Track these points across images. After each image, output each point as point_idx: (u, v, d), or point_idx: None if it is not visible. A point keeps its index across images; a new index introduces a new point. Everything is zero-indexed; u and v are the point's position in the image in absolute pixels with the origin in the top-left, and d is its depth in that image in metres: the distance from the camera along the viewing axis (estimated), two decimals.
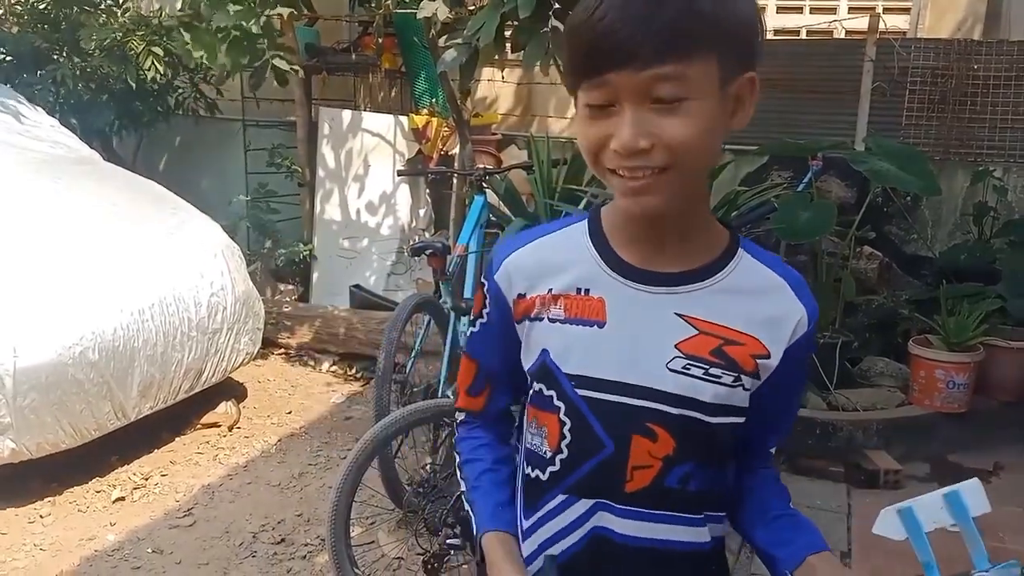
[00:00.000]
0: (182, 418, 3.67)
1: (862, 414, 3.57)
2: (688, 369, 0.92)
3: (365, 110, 5.44)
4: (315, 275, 5.34)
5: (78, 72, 5.33)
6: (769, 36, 5.90)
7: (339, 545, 2.30)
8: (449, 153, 5.17)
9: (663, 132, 0.82)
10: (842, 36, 5.45)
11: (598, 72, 0.82)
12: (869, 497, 3.21)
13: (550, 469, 0.98)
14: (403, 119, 5.23)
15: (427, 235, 5.23)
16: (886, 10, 5.61)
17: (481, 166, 4.26)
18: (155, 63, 4.88)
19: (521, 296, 0.99)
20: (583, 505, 0.96)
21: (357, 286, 5.01)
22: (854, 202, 4.19)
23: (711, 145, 0.86)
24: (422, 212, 5.39)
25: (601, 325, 0.94)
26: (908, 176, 3.48)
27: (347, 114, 5.32)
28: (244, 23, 4.13)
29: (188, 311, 3.43)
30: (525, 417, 1.03)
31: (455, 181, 4.80)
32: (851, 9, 5.77)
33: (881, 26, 4.58)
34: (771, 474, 1.05)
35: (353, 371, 4.46)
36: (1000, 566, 0.73)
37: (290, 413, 3.94)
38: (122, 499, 3.11)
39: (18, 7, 5.58)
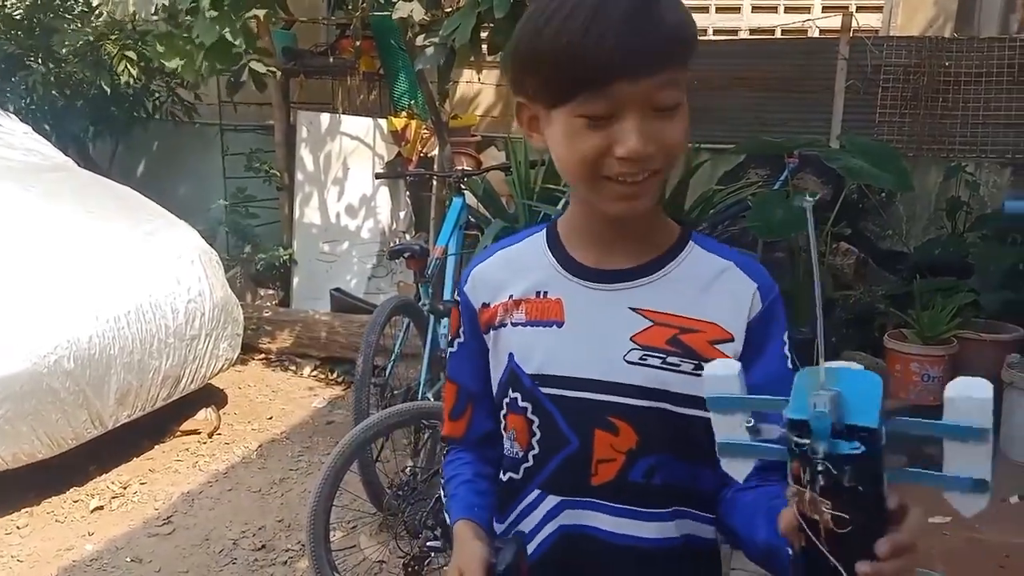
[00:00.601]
0: (161, 426, 3.65)
1: None
2: (645, 360, 0.93)
3: (344, 113, 5.43)
4: (295, 279, 5.33)
5: (52, 78, 5.29)
6: (744, 35, 5.95)
7: (319, 550, 2.30)
8: (428, 155, 5.16)
9: (664, 136, 0.86)
10: (816, 35, 5.50)
11: (606, 83, 0.83)
12: None
13: (524, 467, 1.00)
14: (382, 122, 5.22)
15: (407, 237, 5.23)
16: (859, 9, 5.66)
17: (460, 168, 4.27)
18: (128, 67, 4.85)
19: (486, 305, 1.02)
20: (552, 500, 0.98)
21: (337, 290, 5.00)
22: (830, 199, 4.23)
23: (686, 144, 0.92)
24: (402, 214, 5.39)
25: (560, 324, 0.96)
26: (881, 172, 3.51)
27: (325, 117, 5.30)
28: (223, 30, 4.11)
29: (165, 318, 3.41)
30: (503, 429, 1.04)
31: (434, 183, 4.80)
32: (825, 8, 5.82)
33: (854, 24, 4.62)
34: (771, 491, 0.89)
35: (334, 375, 4.45)
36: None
37: (271, 418, 3.92)
38: (100, 508, 3.09)
39: None
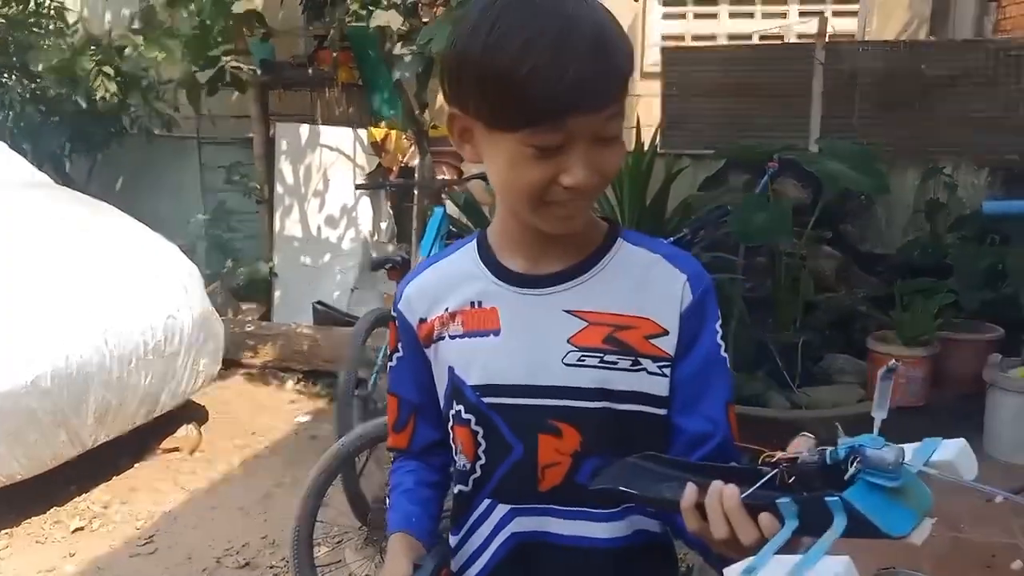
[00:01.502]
0: (142, 444, 3.60)
1: (825, 411, 3.61)
2: (583, 360, 0.94)
3: (323, 124, 5.42)
4: (277, 293, 5.29)
5: (28, 95, 5.25)
6: (722, 42, 5.99)
7: (303, 566, 2.27)
8: (409, 165, 5.15)
9: (605, 164, 0.88)
10: (793, 40, 5.55)
11: (563, 117, 0.83)
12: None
13: (472, 478, 1.00)
14: (362, 132, 5.21)
15: (389, 248, 5.21)
16: (834, 14, 5.72)
17: (441, 177, 4.26)
18: (105, 83, 4.81)
19: (423, 320, 1.02)
20: (503, 509, 0.98)
21: (320, 302, 4.97)
22: (810, 202, 4.25)
23: None
24: (383, 225, 5.37)
25: (497, 333, 0.97)
26: (859, 176, 3.54)
27: (304, 129, 5.28)
28: (206, 21, 4.10)
29: (144, 335, 3.37)
30: (451, 442, 1.04)
31: (416, 193, 4.79)
32: (801, 13, 5.88)
33: (830, 30, 4.66)
34: None
35: (317, 388, 4.42)
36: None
37: (254, 434, 3.88)
38: (81, 529, 3.05)
39: None
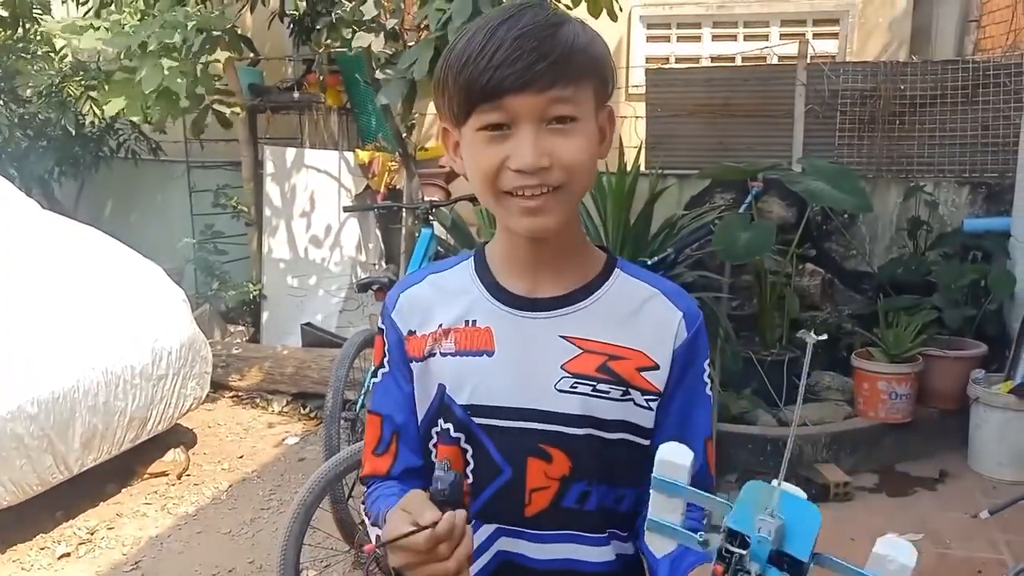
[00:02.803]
0: (128, 468, 3.58)
1: (811, 428, 3.64)
2: (576, 388, 0.94)
3: (312, 147, 5.44)
4: (265, 315, 5.29)
5: (16, 120, 5.26)
6: (706, 63, 6.07)
7: None
8: (397, 187, 5.18)
9: (560, 151, 0.88)
10: (775, 62, 5.63)
11: (499, 96, 0.86)
12: (821, 511, 3.24)
13: None
14: (349, 155, 5.23)
15: (377, 270, 5.22)
16: (815, 35, 5.82)
17: (428, 199, 4.28)
18: (93, 107, 4.83)
19: (412, 333, 1.01)
20: (488, 529, 0.98)
21: (308, 324, 4.97)
22: (795, 221, 4.30)
23: (594, 167, 0.94)
24: (371, 247, 5.38)
25: (490, 354, 0.97)
26: (841, 194, 3.58)
27: (292, 152, 5.31)
28: (179, 75, 4.14)
29: (130, 358, 3.37)
30: (433, 459, 1.03)
31: (403, 215, 4.81)
32: (783, 35, 5.97)
33: (811, 51, 4.73)
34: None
35: (306, 411, 4.41)
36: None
37: (242, 457, 3.87)
38: (67, 555, 3.02)
39: None
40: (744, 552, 0.67)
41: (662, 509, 0.75)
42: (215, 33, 4.42)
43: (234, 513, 3.34)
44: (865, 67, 4.76)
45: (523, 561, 0.97)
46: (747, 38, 6.07)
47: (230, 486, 3.58)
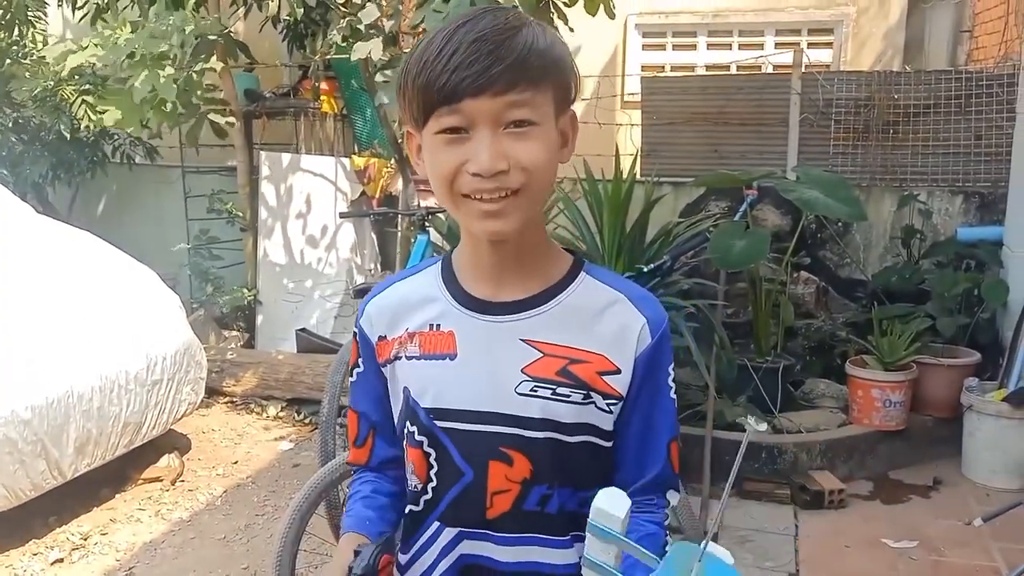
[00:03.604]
0: (122, 473, 3.57)
1: (805, 436, 3.64)
2: (536, 391, 0.95)
3: (307, 153, 5.45)
4: (260, 320, 5.28)
5: (10, 124, 5.25)
6: (701, 72, 6.10)
7: None
8: (392, 193, 5.19)
9: (518, 155, 0.89)
10: (770, 71, 5.66)
11: (457, 99, 0.87)
12: (815, 518, 3.27)
13: (423, 499, 1.02)
14: (345, 161, 5.24)
15: (372, 275, 5.22)
16: (810, 45, 5.85)
17: (424, 205, 4.29)
18: (88, 112, 4.82)
19: (382, 338, 1.04)
20: (450, 532, 0.99)
21: (303, 330, 4.96)
22: (789, 229, 4.32)
23: (553, 171, 0.94)
24: (367, 252, 5.38)
25: (453, 357, 0.98)
26: (835, 203, 3.60)
27: (287, 157, 5.31)
28: (172, 82, 4.15)
29: (125, 363, 3.36)
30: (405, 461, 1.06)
31: (399, 220, 4.82)
32: (777, 44, 6.01)
33: (805, 60, 4.76)
34: (649, 525, 0.99)
35: (300, 416, 4.40)
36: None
37: (236, 463, 3.86)
38: (60, 560, 3.00)
39: None
40: None
41: (597, 551, 0.77)
42: (210, 37, 4.42)
43: (228, 519, 3.33)
44: (859, 76, 4.79)
45: (490, 564, 0.98)
46: (742, 47, 6.10)
47: (224, 492, 3.57)
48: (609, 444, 0.99)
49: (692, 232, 3.60)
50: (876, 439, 3.68)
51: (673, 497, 1.02)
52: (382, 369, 1.04)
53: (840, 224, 4.50)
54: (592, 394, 0.96)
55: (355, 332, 1.08)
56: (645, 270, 3.11)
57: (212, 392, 4.41)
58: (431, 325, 1.00)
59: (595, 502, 0.76)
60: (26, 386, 2.97)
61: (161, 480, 3.61)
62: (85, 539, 3.15)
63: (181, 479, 3.66)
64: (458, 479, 0.97)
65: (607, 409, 0.97)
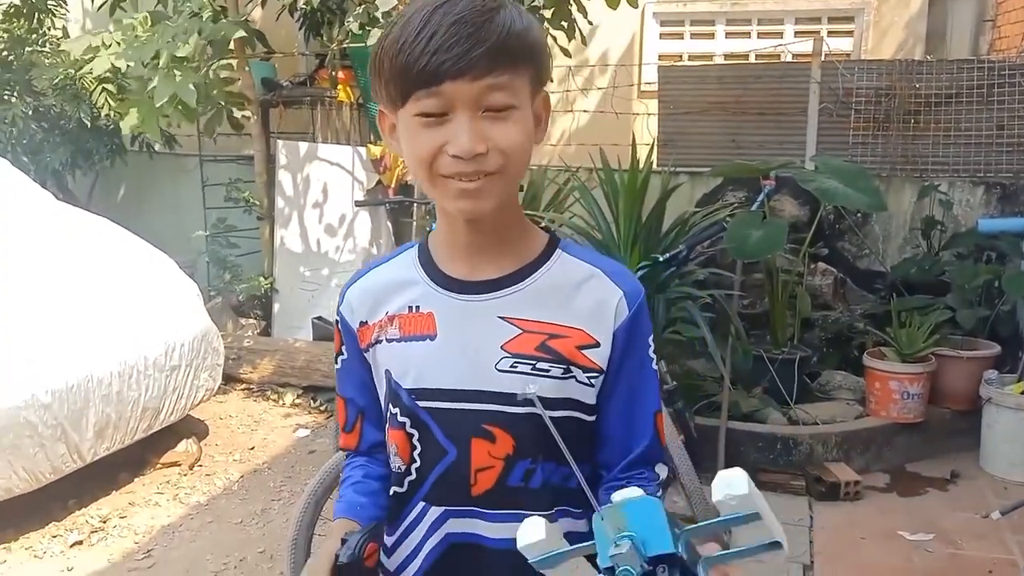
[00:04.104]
0: (141, 458, 3.61)
1: (821, 427, 3.63)
2: (516, 367, 0.97)
3: (324, 142, 5.46)
4: (276, 308, 5.31)
5: (30, 112, 5.29)
6: (719, 60, 6.05)
7: None
8: (408, 182, 5.19)
9: (496, 137, 0.90)
10: (789, 59, 5.60)
11: (436, 82, 0.87)
12: (831, 509, 3.26)
13: (407, 480, 1.02)
14: (361, 150, 5.25)
15: None
16: (830, 33, 5.79)
17: None
18: (108, 100, 4.86)
19: (363, 323, 1.05)
20: (436, 511, 1.01)
21: (319, 318, 4.99)
22: (807, 220, 4.28)
23: (530, 152, 0.95)
24: (383, 241, 5.39)
25: (433, 338, 0.99)
26: (854, 193, 3.56)
27: (304, 146, 5.32)
28: (191, 83, 4.17)
29: (144, 349, 3.39)
30: (387, 442, 1.06)
31: (415, 209, 4.82)
32: (797, 33, 5.94)
33: (825, 49, 4.71)
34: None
35: (316, 403, 4.42)
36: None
37: (252, 449, 3.89)
38: (79, 543, 3.04)
39: None
40: None
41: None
42: (231, 36, 4.43)
43: (245, 503, 3.36)
44: (880, 65, 4.74)
45: (479, 540, 0.99)
46: (761, 35, 6.04)
47: (241, 477, 3.60)
48: (592, 418, 1.00)
49: (708, 222, 3.58)
50: (893, 431, 3.65)
51: (662, 470, 1.03)
52: (364, 354, 1.05)
53: (859, 215, 4.46)
54: (572, 368, 0.97)
55: (336, 320, 1.09)
56: (661, 259, 3.10)
57: (229, 379, 4.45)
58: (410, 307, 1.01)
59: (519, 540, 0.76)
60: (46, 370, 3.00)
61: (179, 465, 3.64)
62: (104, 522, 3.19)
63: (199, 464, 3.70)
64: (441, 458, 0.98)
65: (588, 382, 0.98)
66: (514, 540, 0.96)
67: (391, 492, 1.06)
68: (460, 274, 1.00)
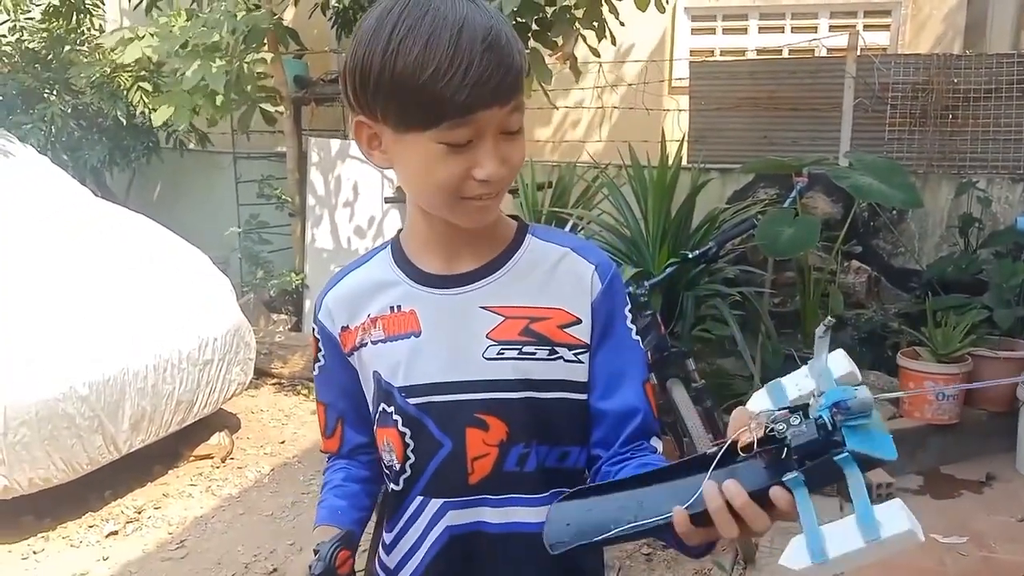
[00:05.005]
0: (174, 450, 3.67)
1: None
2: (503, 353, 0.98)
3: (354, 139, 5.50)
4: (307, 304, 5.36)
5: (69, 110, 5.39)
6: (752, 55, 5.98)
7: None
8: None
9: (512, 156, 0.92)
10: (823, 54, 5.52)
11: (470, 112, 0.86)
12: None
13: (403, 477, 1.03)
14: None
15: None
16: (866, 27, 5.70)
17: None
18: (144, 98, 4.94)
19: (345, 328, 1.06)
20: (435, 504, 1.01)
21: None
22: (840, 217, 4.23)
23: None
24: None
25: (418, 335, 1.00)
26: (890, 190, 3.51)
27: (336, 143, 5.37)
28: (223, 73, 4.21)
29: (178, 343, 3.45)
30: (378, 442, 1.07)
31: None
32: (832, 27, 5.86)
33: (861, 43, 4.64)
34: (645, 461, 0.99)
35: None
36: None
37: (283, 443, 3.94)
38: (115, 533, 3.11)
39: (7, 48, 5.65)
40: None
41: (795, 381, 0.83)
42: (263, 26, 4.49)
43: (276, 496, 3.40)
44: (917, 60, 4.65)
45: (481, 528, 1.00)
46: (795, 30, 5.97)
47: (272, 470, 3.65)
48: (584, 397, 1.01)
49: (739, 219, 3.55)
50: (927, 433, 3.59)
51: (657, 444, 1.02)
52: (349, 359, 1.06)
53: (894, 212, 4.38)
54: (557, 348, 0.99)
55: (313, 327, 1.09)
56: (690, 256, 3.08)
57: (261, 374, 4.51)
58: (392, 307, 1.02)
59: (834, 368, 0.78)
60: (84, 363, 3.07)
61: (212, 457, 3.70)
62: (139, 513, 3.25)
63: (231, 457, 3.75)
64: (437, 451, 0.99)
65: (575, 359, 0.99)
66: (515, 524, 0.99)
67: (388, 490, 1.07)
68: (437, 269, 1.01)
